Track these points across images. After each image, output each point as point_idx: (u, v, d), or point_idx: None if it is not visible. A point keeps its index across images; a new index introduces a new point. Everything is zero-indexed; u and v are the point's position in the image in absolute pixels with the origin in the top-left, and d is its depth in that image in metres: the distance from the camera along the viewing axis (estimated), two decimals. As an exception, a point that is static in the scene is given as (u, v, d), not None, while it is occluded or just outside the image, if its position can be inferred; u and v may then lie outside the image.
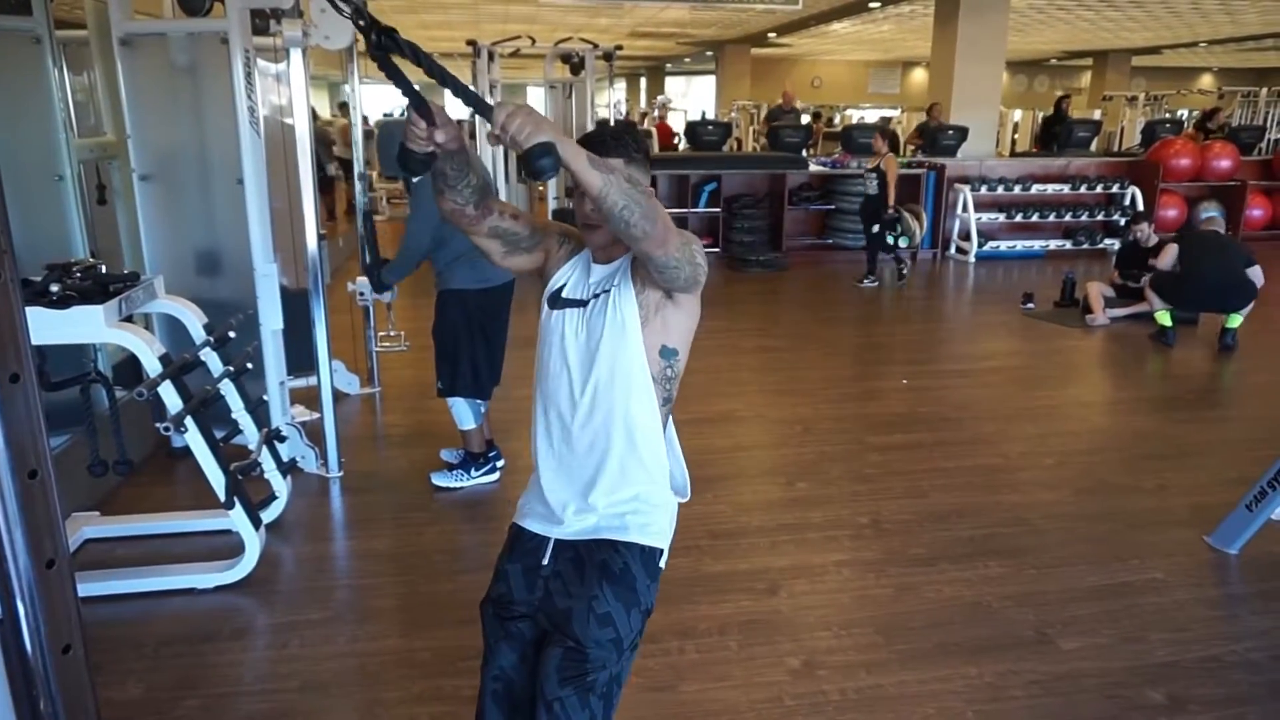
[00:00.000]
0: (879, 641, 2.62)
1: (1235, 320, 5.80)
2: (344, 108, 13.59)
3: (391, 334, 5.24)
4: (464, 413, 3.60)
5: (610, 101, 8.85)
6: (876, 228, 7.71)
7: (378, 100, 20.98)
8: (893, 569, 3.03)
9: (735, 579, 2.93)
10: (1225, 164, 9.57)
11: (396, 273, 3.67)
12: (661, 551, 1.61)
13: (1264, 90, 15.96)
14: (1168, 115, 13.93)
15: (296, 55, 3.48)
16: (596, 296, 1.58)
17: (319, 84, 20.64)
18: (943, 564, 3.07)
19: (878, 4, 13.02)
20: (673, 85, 25.88)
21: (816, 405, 4.73)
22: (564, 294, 1.63)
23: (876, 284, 7.76)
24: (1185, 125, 12.67)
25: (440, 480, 3.64)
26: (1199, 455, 4.12)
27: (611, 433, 1.55)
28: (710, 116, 16.41)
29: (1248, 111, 15.84)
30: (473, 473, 3.66)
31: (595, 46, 7.38)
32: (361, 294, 4.65)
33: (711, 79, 20.60)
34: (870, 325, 6.97)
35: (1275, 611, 2.84)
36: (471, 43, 7.61)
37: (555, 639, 1.56)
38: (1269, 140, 11.26)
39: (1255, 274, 5.83)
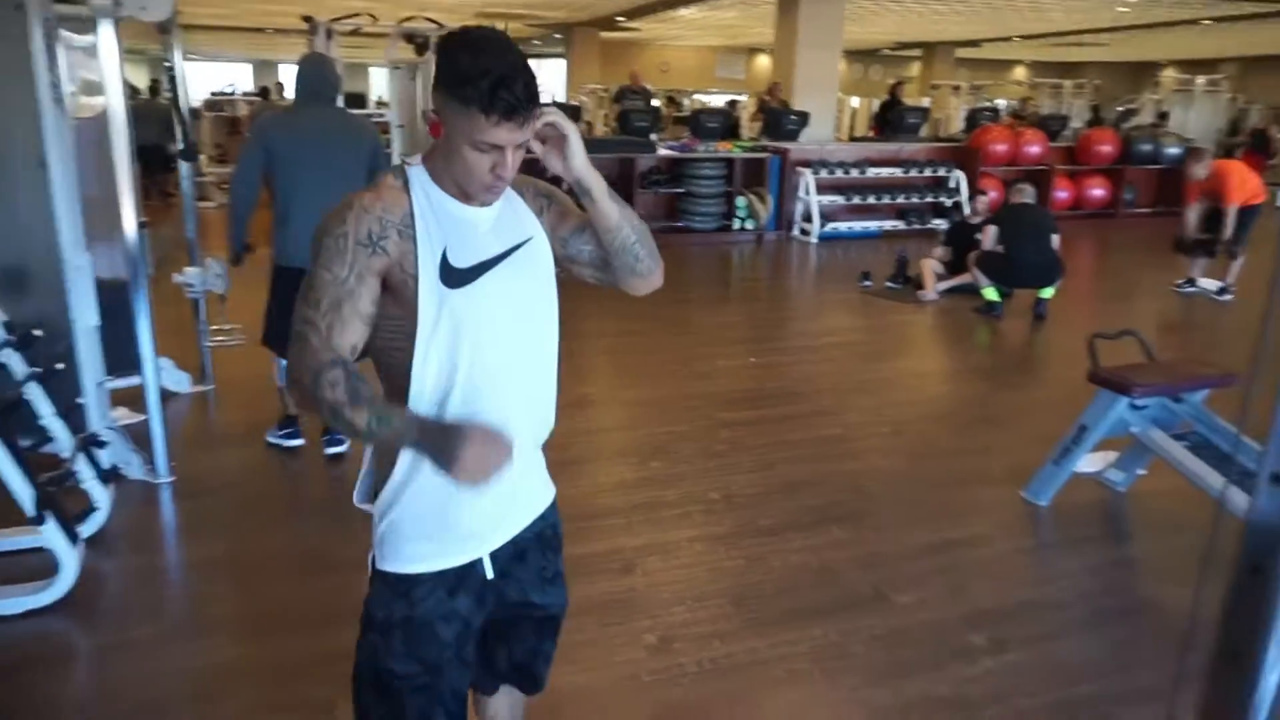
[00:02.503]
0: (731, 611, 2.71)
1: (1048, 292, 6.34)
2: (155, 85, 12.61)
3: (225, 327, 4.94)
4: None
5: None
6: None
7: (202, 78, 19.67)
8: (743, 541, 3.15)
9: (592, 561, 2.96)
10: (1035, 149, 10.41)
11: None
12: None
13: (1068, 83, 17.47)
14: (987, 103, 14.99)
15: (107, 27, 3.19)
16: (515, 247, 1.39)
17: (137, 59, 19.08)
18: (789, 533, 3.21)
19: (722, -10, 13.30)
20: (523, 67, 25.52)
21: (668, 385, 4.83)
22: (471, 259, 1.32)
23: None
24: (1000, 113, 13.66)
25: (274, 438, 3.81)
26: (1017, 418, 4.49)
27: (552, 394, 1.50)
28: (560, 100, 16.30)
29: (1057, 102, 17.30)
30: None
31: (441, 26, 7.15)
32: (190, 285, 4.37)
33: (562, 62, 20.47)
34: (719, 306, 7.17)
35: (1078, 555, 3.16)
36: (308, 19, 7.22)
37: (521, 622, 1.56)
38: (1072, 129, 12.30)
39: (1055, 242, 6.38)
